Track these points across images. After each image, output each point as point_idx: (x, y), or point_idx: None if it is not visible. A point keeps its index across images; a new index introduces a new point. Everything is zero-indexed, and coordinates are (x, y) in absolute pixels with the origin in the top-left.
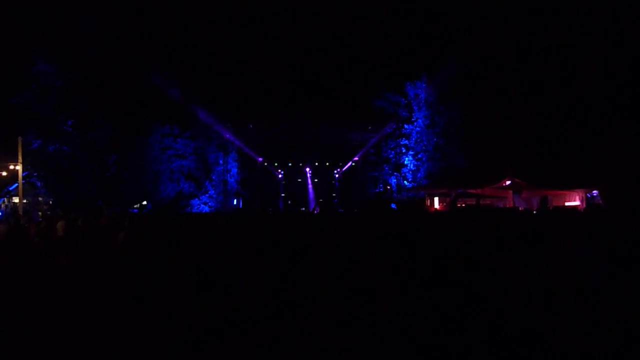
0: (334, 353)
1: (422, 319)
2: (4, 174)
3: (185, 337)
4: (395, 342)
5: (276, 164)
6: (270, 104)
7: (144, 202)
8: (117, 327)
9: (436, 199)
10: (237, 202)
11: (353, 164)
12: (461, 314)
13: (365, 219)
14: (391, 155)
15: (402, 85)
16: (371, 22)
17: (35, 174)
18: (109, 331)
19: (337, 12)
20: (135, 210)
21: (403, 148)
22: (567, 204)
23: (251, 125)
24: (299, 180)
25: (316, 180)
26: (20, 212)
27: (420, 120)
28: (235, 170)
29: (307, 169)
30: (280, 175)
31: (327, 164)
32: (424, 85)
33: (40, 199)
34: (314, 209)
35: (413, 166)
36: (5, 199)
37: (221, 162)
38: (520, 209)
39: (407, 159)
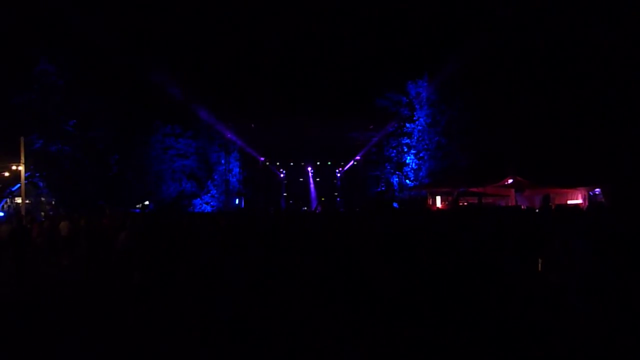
0: (335, 353)
1: (423, 318)
2: (7, 174)
3: (188, 337)
4: (396, 342)
5: (278, 164)
6: (272, 103)
7: (146, 202)
8: (119, 327)
9: (438, 198)
10: (239, 201)
11: (355, 163)
12: (461, 314)
13: (367, 218)
14: (393, 154)
15: (404, 84)
16: (373, 21)
17: (38, 174)
18: (111, 331)
19: (339, 11)
20: (138, 210)
21: (405, 147)
22: (569, 202)
23: (253, 125)
24: (301, 179)
25: (318, 179)
26: (23, 213)
27: (422, 119)
28: (237, 169)
29: (309, 168)
30: (282, 175)
31: (329, 163)
32: (425, 84)
33: (42, 199)
34: (315, 208)
35: (415, 165)
36: (8, 199)
37: (223, 161)
38: (522, 207)
39: (408, 157)
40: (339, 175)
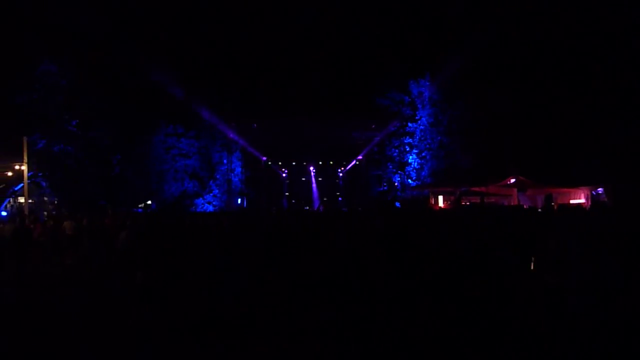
0: (336, 352)
1: (423, 319)
2: (10, 174)
3: (190, 335)
4: (396, 341)
5: (280, 163)
6: (274, 103)
7: (149, 202)
8: (120, 327)
9: (440, 197)
10: (241, 201)
11: (357, 162)
12: (461, 315)
13: (369, 217)
14: (395, 154)
15: (406, 83)
16: (375, 20)
17: (41, 174)
18: (112, 330)
19: (341, 11)
20: (140, 210)
21: (407, 146)
22: (572, 201)
23: (255, 125)
24: (303, 179)
25: (320, 179)
26: (26, 212)
27: (424, 119)
28: (239, 169)
29: (311, 168)
30: (284, 175)
31: (331, 162)
32: (427, 83)
33: (45, 198)
34: (318, 208)
35: (417, 164)
36: (11, 199)
37: (225, 161)
38: (524, 206)
39: (411, 157)
40: (341, 174)
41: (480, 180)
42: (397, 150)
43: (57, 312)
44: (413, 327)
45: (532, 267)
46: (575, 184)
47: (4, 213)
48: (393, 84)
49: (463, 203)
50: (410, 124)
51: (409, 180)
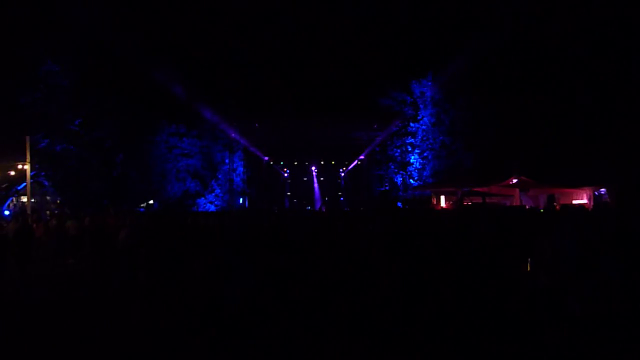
0: (338, 350)
1: (424, 317)
2: (13, 173)
3: (194, 333)
4: (397, 340)
5: (282, 163)
6: (276, 102)
7: (151, 201)
8: (123, 325)
9: (442, 198)
10: (243, 201)
11: (359, 162)
12: (461, 314)
13: (371, 217)
14: (397, 154)
15: (408, 83)
16: (377, 20)
17: (43, 173)
18: (114, 330)
19: (343, 10)
20: (142, 210)
21: (409, 146)
22: (574, 202)
23: (257, 124)
24: (305, 179)
25: (322, 178)
26: (29, 211)
27: (426, 119)
28: (241, 169)
29: (313, 168)
30: (285, 174)
31: (333, 162)
32: (429, 83)
33: (48, 198)
34: (320, 208)
35: (419, 164)
36: (14, 198)
37: (227, 161)
38: (526, 207)
39: (413, 157)
40: (342, 174)
41: (483, 180)
42: (399, 150)
43: (59, 311)
44: (411, 325)
45: (528, 268)
46: (578, 184)
47: (6, 212)
48: (395, 84)
49: (465, 203)
50: (412, 124)
51: (411, 180)
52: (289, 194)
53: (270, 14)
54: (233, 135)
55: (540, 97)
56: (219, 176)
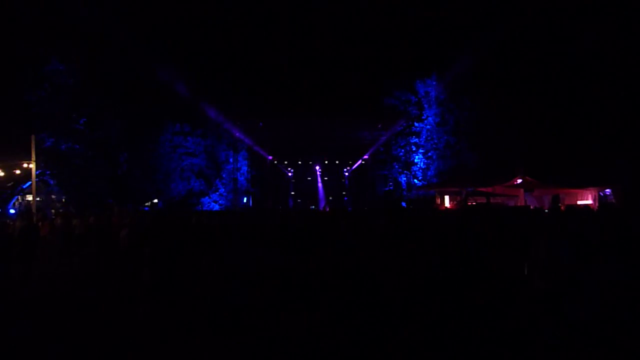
0: (339, 349)
1: (424, 318)
2: (18, 172)
3: (198, 331)
4: (397, 340)
5: (286, 162)
6: (280, 102)
7: (155, 200)
8: (126, 324)
9: (446, 198)
10: (247, 200)
11: (363, 162)
12: (458, 314)
13: (375, 217)
14: (401, 154)
15: (413, 83)
16: (381, 20)
17: (48, 172)
18: (116, 329)
19: (348, 10)
20: (147, 209)
21: (413, 146)
22: (579, 202)
23: (261, 124)
24: (309, 178)
25: (326, 178)
26: (34, 210)
27: (430, 118)
28: (245, 168)
29: (317, 167)
30: (290, 174)
31: (337, 162)
32: (434, 83)
33: (53, 196)
34: (324, 208)
35: (423, 164)
36: (19, 196)
37: (231, 160)
38: (531, 207)
39: (417, 157)
40: (347, 174)
41: (487, 180)
42: (403, 150)
43: (63, 310)
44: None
45: (525, 272)
46: (583, 184)
47: (12, 211)
48: (400, 83)
49: (469, 203)
50: (416, 124)
51: (415, 180)
52: (292, 193)
53: (276, 12)
54: (237, 134)
55: (544, 97)
56: (223, 175)
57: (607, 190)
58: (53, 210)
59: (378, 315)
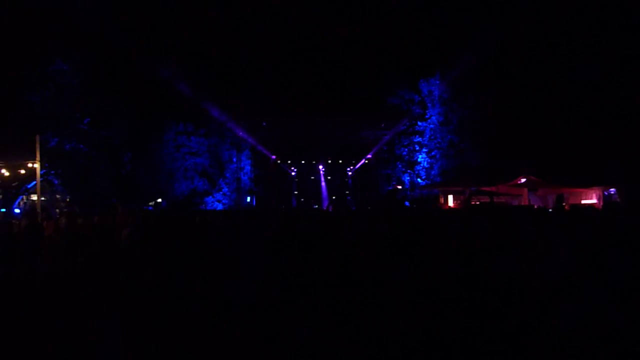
0: (339, 348)
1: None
2: (23, 172)
3: (201, 331)
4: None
5: (289, 162)
6: (284, 101)
7: (159, 200)
8: (129, 323)
9: (450, 197)
10: (250, 199)
11: (366, 161)
12: (460, 315)
13: (378, 216)
14: (404, 153)
15: (416, 82)
16: (384, 19)
17: (53, 171)
18: (120, 326)
19: (350, 9)
20: (151, 208)
21: (416, 145)
22: (583, 202)
23: (265, 123)
24: (312, 177)
25: (329, 177)
26: (39, 210)
27: (434, 118)
28: (248, 168)
29: (320, 167)
30: (293, 173)
31: (340, 161)
32: (437, 82)
33: (57, 196)
34: (327, 207)
35: (427, 164)
36: (24, 196)
37: (235, 159)
38: (535, 206)
39: (420, 156)
40: (350, 173)
41: (491, 179)
42: (406, 149)
43: (67, 310)
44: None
45: (522, 272)
46: (587, 184)
47: (17, 210)
48: (403, 82)
49: (473, 203)
50: (420, 123)
51: (419, 179)
52: (296, 192)
53: (278, 12)
54: (241, 133)
55: (548, 95)
56: (227, 175)
57: (612, 189)
58: (57, 210)
59: (378, 315)
